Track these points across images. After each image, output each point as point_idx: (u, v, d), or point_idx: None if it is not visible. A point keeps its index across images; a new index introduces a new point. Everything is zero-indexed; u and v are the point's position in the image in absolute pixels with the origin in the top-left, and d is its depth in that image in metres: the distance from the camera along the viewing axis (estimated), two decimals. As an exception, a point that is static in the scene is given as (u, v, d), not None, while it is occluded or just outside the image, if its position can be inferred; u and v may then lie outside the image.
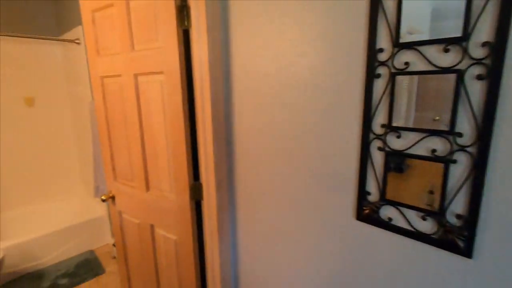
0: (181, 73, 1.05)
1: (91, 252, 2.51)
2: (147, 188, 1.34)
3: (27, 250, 2.20)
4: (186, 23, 1.03)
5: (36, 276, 2.20)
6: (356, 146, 0.74)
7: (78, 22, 2.29)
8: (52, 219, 2.81)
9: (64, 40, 2.38)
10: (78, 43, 2.34)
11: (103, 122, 1.48)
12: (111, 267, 2.30)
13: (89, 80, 2.33)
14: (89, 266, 2.32)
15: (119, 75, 1.30)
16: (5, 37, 2.47)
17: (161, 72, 1.12)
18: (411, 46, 0.61)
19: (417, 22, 0.59)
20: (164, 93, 1.14)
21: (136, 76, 1.22)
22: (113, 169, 1.51)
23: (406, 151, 0.65)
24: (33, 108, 2.69)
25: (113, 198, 1.55)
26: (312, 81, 0.80)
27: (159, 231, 1.35)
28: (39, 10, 2.63)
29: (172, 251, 1.32)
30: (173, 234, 1.29)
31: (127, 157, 1.40)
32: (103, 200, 1.51)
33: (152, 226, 1.37)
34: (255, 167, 1.02)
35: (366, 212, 0.74)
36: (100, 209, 2.59)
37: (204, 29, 0.96)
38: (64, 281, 2.14)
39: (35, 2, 2.60)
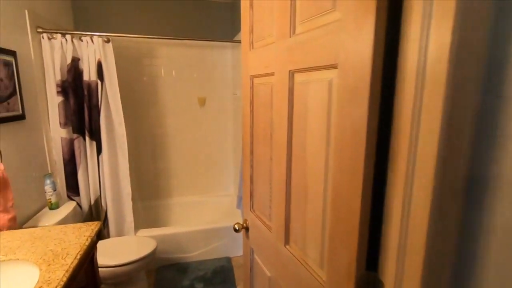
0: (373, 69, 0.53)
1: (228, 259, 2.42)
2: (286, 240, 0.90)
3: (179, 241, 2.33)
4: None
5: (182, 269, 2.29)
6: None
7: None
8: (205, 215, 2.98)
9: (232, 41, 2.37)
10: (243, 44, 2.26)
11: (247, 133, 1.17)
12: (241, 287, 2.10)
13: (249, 82, 2.21)
14: (223, 275, 2.22)
15: (270, 74, 0.92)
16: (186, 42, 2.75)
17: (332, 66, 0.63)
18: None
19: None
20: (333, 101, 0.65)
21: (291, 73, 0.80)
22: (251, 195, 1.18)
23: None
24: (204, 107, 2.91)
25: (247, 229, 1.24)
26: None
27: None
28: (219, 17, 2.78)
29: None
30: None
31: (267, 186, 1.02)
32: (236, 230, 1.21)
33: (285, 296, 0.93)
34: None
35: None
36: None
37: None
38: (199, 285, 2.11)
39: (216, 11, 2.76)
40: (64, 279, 0.94)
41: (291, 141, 0.83)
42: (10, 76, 1.55)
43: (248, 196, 1.20)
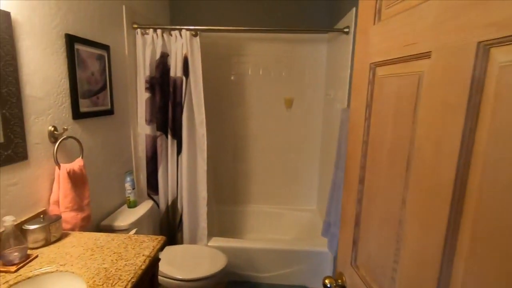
0: None
1: (306, 290, 2.05)
2: None
3: (251, 258, 2.08)
4: None
5: (252, 290, 2.03)
6: None
7: (350, 6, 1.76)
8: (283, 229, 2.67)
9: (332, 30, 1.98)
10: (346, 32, 1.83)
11: (355, 152, 0.78)
12: (321, 332, 1.70)
13: (349, 79, 1.77)
14: (298, 310, 1.86)
15: (419, 55, 0.52)
16: (277, 36, 2.47)
17: None
18: None
19: None
20: None
21: (484, 48, 0.38)
22: (354, 243, 0.79)
23: None
24: (291, 110, 2.59)
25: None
26: None
27: None
28: (315, 6, 2.41)
29: None
30: None
31: (390, 241, 0.61)
32: (326, 288, 0.84)
33: None
34: None
35: None
36: (325, 243, 2.05)
37: None
38: (270, 317, 1.80)
39: (310, 1, 2.40)
40: (104, 320, 0.74)
41: (465, 185, 0.41)
42: (102, 71, 1.54)
43: (348, 243, 0.81)
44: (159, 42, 1.87)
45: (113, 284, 0.87)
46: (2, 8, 0.98)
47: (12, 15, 1.01)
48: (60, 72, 1.25)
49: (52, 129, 1.20)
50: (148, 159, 1.97)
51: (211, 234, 2.13)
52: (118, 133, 1.74)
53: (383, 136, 0.65)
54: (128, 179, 1.71)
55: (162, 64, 1.91)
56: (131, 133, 1.89)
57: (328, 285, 0.84)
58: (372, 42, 0.69)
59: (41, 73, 1.15)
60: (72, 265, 0.96)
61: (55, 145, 1.19)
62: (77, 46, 1.34)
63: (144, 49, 1.89)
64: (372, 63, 0.69)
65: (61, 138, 1.21)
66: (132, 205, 1.73)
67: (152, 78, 1.91)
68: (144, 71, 1.90)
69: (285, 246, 2.07)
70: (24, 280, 0.89)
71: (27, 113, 1.09)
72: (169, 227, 2.09)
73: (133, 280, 0.90)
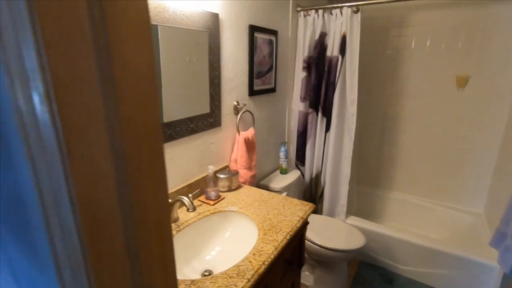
0: None
1: (454, 298, 1.81)
2: None
3: (389, 245, 2.01)
4: None
5: (386, 277, 1.98)
6: None
7: None
8: (429, 226, 2.38)
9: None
10: None
11: None
12: None
13: None
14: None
15: None
16: (449, 2, 2.03)
17: None
18: None
19: None
20: None
21: None
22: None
23: None
24: (463, 90, 2.16)
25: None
26: None
27: None
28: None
29: None
30: None
31: None
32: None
33: None
34: None
35: None
36: (490, 254, 1.70)
37: None
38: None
39: None
40: (272, 256, 0.96)
41: None
42: (270, 54, 1.78)
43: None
44: (319, 22, 1.95)
45: (277, 232, 1.09)
46: (213, 11, 1.29)
47: (220, 15, 1.33)
48: (243, 56, 1.55)
49: (236, 103, 1.53)
50: (298, 133, 2.18)
51: (349, 212, 2.18)
52: (277, 108, 2.00)
53: None
54: (282, 149, 1.97)
55: (320, 43, 1.99)
56: (286, 109, 2.13)
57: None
58: None
59: (233, 59, 1.47)
60: (246, 209, 1.26)
61: (237, 116, 1.52)
62: (256, 34, 1.60)
63: (305, 30, 2.02)
64: None
65: (242, 111, 1.53)
66: (284, 171, 2.00)
67: (310, 57, 2.03)
68: (303, 52, 2.04)
69: (430, 244, 1.87)
70: (217, 212, 1.25)
71: (223, 91, 1.44)
72: (311, 197, 2.28)
73: (290, 233, 1.09)
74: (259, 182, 1.87)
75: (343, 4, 1.86)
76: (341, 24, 1.87)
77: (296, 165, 2.25)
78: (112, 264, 0.31)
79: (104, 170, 0.29)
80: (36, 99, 0.24)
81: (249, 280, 0.85)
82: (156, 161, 0.33)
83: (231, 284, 0.84)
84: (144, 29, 0.29)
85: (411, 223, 2.47)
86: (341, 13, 1.86)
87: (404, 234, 1.97)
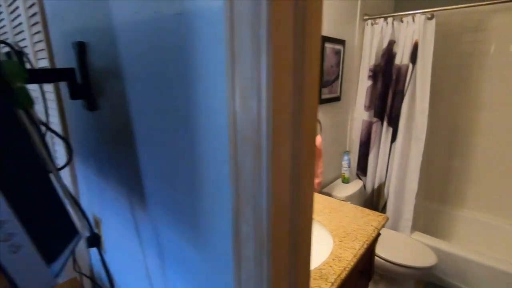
0: None
1: (545, 334, 1.60)
2: None
3: (460, 266, 1.85)
4: None
5: (459, 301, 1.83)
6: None
7: None
8: (504, 249, 2.14)
9: None
10: None
11: None
12: None
13: None
14: None
15: None
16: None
17: None
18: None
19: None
20: None
21: None
22: None
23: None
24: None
25: None
26: None
27: None
28: None
29: None
30: None
31: None
32: None
33: None
34: None
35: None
36: None
37: None
38: None
39: None
40: (352, 263, 0.97)
41: None
42: (337, 63, 1.80)
43: None
44: (388, 30, 1.92)
45: (352, 240, 1.09)
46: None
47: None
48: (313, 67, 1.59)
49: (305, 111, 1.57)
50: (361, 142, 2.14)
51: (413, 228, 2.06)
52: (340, 117, 1.99)
53: None
54: (345, 157, 1.95)
55: (388, 52, 1.95)
56: (348, 118, 2.11)
57: None
58: None
59: (304, 69, 1.52)
60: (317, 215, 1.28)
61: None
62: (326, 45, 1.64)
63: (372, 38, 1.99)
64: None
65: (310, 119, 1.57)
66: (346, 181, 1.97)
67: (376, 66, 2.00)
68: (369, 60, 2.02)
69: (507, 268, 1.68)
70: (289, 216, 1.29)
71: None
72: (372, 209, 2.21)
73: (367, 242, 1.08)
74: (321, 189, 1.87)
75: (416, 11, 1.80)
76: (413, 31, 1.81)
77: (357, 175, 2.21)
78: (282, 246, 0.37)
79: (286, 165, 0.35)
80: (252, 104, 0.31)
81: (332, 283, 0.87)
82: (312, 161, 0.39)
83: (316, 286, 0.86)
84: (317, 50, 0.34)
85: (480, 243, 2.24)
86: (413, 20, 1.81)
87: (481, 257, 1.80)
